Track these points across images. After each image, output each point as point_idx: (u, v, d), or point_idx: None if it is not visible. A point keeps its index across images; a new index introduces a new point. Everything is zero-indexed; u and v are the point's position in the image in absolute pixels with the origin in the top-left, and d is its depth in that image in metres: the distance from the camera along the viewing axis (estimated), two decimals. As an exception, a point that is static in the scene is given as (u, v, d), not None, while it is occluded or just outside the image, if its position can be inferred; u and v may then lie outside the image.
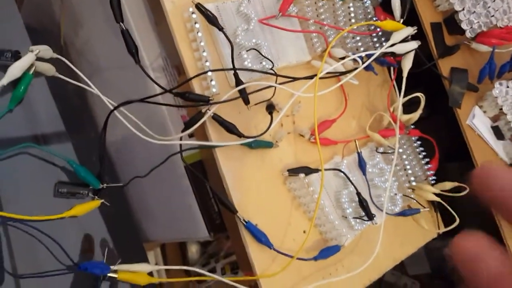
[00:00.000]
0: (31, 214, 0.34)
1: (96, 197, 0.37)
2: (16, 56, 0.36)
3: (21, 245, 0.35)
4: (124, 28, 0.38)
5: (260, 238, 0.40)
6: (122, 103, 0.38)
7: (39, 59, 0.36)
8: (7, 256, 0.34)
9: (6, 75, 0.34)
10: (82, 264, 0.34)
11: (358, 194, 0.45)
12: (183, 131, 0.39)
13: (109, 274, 0.35)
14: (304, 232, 0.44)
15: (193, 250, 0.73)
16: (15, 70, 0.34)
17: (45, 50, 0.36)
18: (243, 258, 0.42)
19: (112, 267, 0.35)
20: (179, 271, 0.62)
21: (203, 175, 0.48)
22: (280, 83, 0.40)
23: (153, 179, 0.42)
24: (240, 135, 0.40)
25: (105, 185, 0.38)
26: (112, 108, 0.38)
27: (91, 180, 0.37)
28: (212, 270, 0.71)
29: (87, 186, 0.37)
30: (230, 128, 0.40)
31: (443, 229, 0.54)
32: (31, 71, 0.35)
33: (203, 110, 0.39)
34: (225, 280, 0.38)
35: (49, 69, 0.37)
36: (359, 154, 0.48)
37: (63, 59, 0.38)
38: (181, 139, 0.40)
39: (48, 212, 0.35)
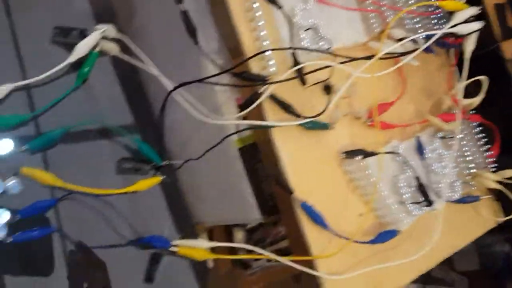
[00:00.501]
0: (94, 187, 0.35)
1: (158, 172, 0.38)
2: (83, 34, 0.37)
3: (85, 217, 0.36)
4: (183, 9, 0.38)
5: (316, 218, 0.39)
6: (182, 84, 0.39)
7: (103, 38, 0.37)
8: (71, 229, 0.35)
9: (74, 52, 0.35)
10: (146, 237, 0.35)
11: (417, 178, 0.43)
12: (241, 110, 0.39)
13: (170, 249, 0.36)
14: (360, 215, 0.43)
15: (239, 237, 0.74)
16: (83, 47, 0.35)
17: (109, 30, 0.37)
18: (296, 242, 0.42)
19: (172, 241, 0.36)
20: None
21: (257, 157, 0.48)
22: (338, 63, 0.40)
23: (206, 161, 0.42)
24: (297, 115, 0.39)
25: (167, 161, 0.38)
26: (171, 88, 0.39)
27: (154, 157, 0.38)
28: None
29: (148, 163, 0.38)
30: (288, 108, 0.39)
31: (503, 218, 0.52)
32: (97, 50, 0.36)
33: (260, 91, 0.39)
34: (281, 259, 0.38)
35: (113, 48, 0.38)
36: (418, 139, 0.46)
37: (126, 38, 0.39)
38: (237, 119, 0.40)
39: (109, 187, 0.36)
